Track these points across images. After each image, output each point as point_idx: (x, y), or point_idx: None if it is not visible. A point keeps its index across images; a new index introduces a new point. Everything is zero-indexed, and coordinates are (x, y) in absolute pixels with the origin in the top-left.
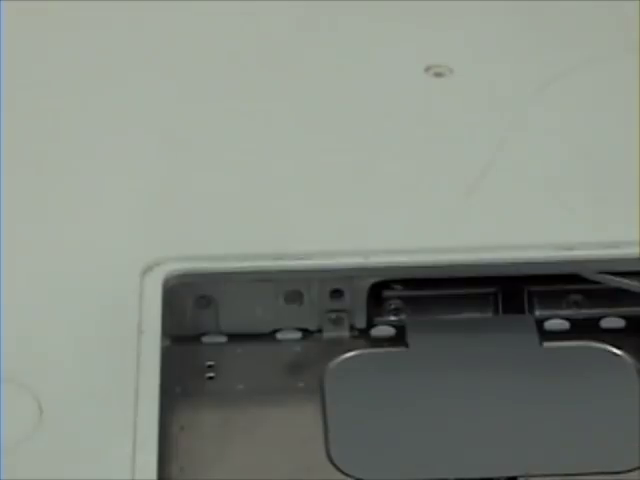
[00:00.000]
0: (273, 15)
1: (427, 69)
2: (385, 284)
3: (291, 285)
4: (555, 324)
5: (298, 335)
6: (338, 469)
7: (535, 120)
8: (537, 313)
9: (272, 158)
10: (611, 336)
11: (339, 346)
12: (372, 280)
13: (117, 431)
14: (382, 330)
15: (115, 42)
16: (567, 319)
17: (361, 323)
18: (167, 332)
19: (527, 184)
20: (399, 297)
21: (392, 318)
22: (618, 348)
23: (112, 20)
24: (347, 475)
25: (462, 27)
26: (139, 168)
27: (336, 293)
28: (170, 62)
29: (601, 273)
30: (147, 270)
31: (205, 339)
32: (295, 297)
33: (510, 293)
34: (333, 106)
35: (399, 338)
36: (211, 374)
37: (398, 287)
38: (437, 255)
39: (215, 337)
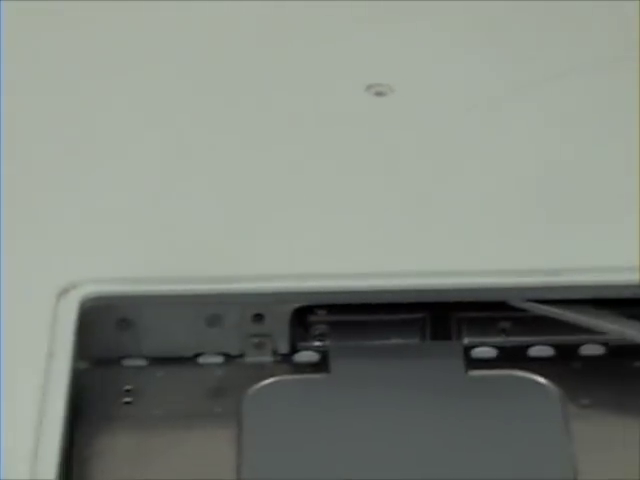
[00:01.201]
0: (211, 38)
1: (368, 88)
2: (310, 308)
3: (212, 309)
4: (483, 352)
5: (220, 359)
6: None
7: (474, 142)
8: (465, 340)
9: (194, 178)
10: (538, 365)
11: (261, 371)
12: (294, 305)
13: (17, 457)
14: (306, 355)
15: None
16: (495, 347)
17: (284, 348)
18: (88, 355)
19: (458, 209)
20: (325, 322)
21: (317, 343)
22: (543, 377)
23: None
24: None
25: (405, 45)
26: (54, 189)
27: (258, 317)
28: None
29: (529, 301)
30: (63, 292)
31: (126, 362)
32: (216, 321)
33: (438, 319)
34: (269, 125)
35: (323, 364)
36: (129, 398)
37: (321, 312)
38: (362, 281)
39: (136, 360)
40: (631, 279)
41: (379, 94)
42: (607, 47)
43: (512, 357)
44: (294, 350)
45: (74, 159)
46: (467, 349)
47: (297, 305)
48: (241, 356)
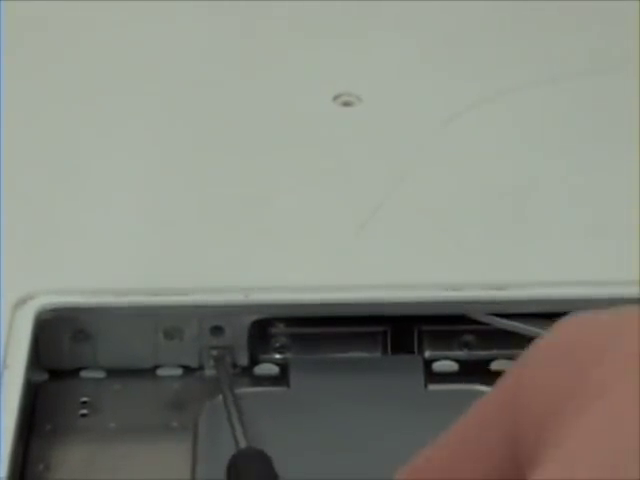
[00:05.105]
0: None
1: (335, 97)
2: (271, 321)
3: (170, 321)
4: (444, 365)
5: (179, 372)
6: None
7: (439, 154)
8: (427, 353)
9: (155, 187)
10: (500, 379)
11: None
12: (253, 317)
13: None
14: (266, 368)
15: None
16: (457, 360)
17: (243, 361)
18: (44, 367)
19: (421, 221)
20: (285, 334)
21: (277, 356)
22: None
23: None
24: None
25: (374, 55)
26: (11, 200)
27: (216, 330)
28: None
29: (489, 315)
30: (20, 303)
31: (83, 374)
32: (175, 333)
33: (400, 332)
34: (235, 134)
35: (283, 377)
36: (85, 411)
37: (280, 325)
38: (323, 293)
39: (94, 372)
40: (592, 293)
41: (346, 104)
42: (578, 57)
43: (474, 371)
44: (255, 362)
45: (34, 170)
46: (428, 363)
47: (256, 317)
48: (201, 369)
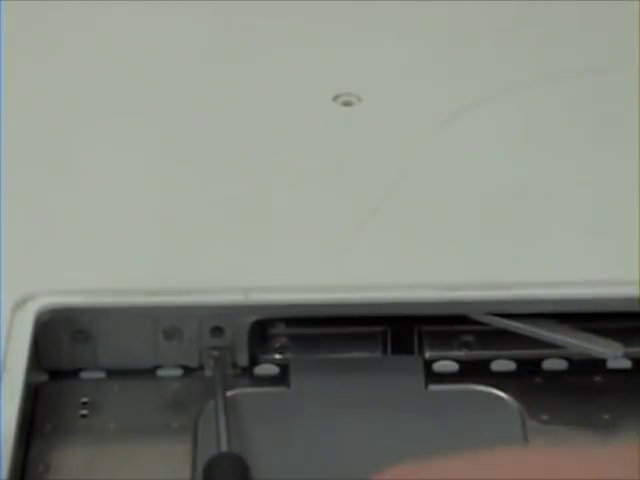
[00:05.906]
0: (177, 45)
1: (335, 97)
2: (271, 321)
3: (170, 321)
4: (444, 366)
5: (179, 372)
6: None
7: (439, 154)
8: (427, 354)
9: (154, 188)
10: (500, 379)
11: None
12: (253, 318)
13: None
14: (266, 369)
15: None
16: (457, 361)
17: (243, 361)
18: (44, 367)
19: (421, 221)
20: (285, 335)
21: (277, 356)
22: (504, 392)
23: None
24: None
25: (373, 55)
26: (9, 201)
27: (217, 330)
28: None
29: (489, 315)
30: (19, 304)
31: (83, 375)
32: (174, 333)
33: (400, 332)
34: (235, 134)
35: (283, 377)
36: (85, 411)
37: (280, 325)
38: (323, 294)
39: (94, 373)
40: (592, 293)
41: (346, 104)
42: (578, 57)
43: (474, 371)
44: (255, 363)
45: (34, 171)
46: (429, 363)
47: (256, 318)
48: (200, 369)
